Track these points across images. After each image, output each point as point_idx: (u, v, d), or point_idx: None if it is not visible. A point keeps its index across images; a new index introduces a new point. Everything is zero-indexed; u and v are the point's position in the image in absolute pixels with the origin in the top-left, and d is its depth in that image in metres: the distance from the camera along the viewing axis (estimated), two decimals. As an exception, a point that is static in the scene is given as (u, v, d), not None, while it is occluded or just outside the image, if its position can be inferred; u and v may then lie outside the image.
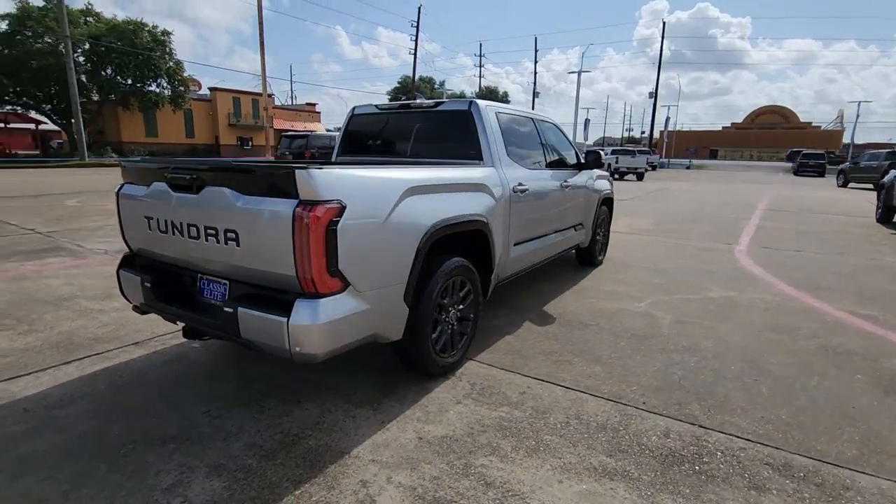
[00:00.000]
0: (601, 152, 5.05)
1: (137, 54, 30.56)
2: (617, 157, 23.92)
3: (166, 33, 32.01)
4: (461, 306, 3.00)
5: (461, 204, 2.85)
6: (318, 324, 2.04)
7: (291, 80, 61.06)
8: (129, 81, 31.42)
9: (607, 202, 5.82)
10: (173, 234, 2.46)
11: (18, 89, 30.74)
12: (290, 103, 57.67)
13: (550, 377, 2.93)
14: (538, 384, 2.84)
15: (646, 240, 7.56)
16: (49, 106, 31.18)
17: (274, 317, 2.05)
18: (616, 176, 24.52)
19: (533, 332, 3.65)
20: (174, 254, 2.55)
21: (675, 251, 6.69)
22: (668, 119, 43.32)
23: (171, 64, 32.12)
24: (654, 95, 40.53)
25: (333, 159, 4.24)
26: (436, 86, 48.41)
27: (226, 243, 2.23)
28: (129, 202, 2.71)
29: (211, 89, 39.62)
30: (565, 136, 4.93)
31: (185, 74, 33.89)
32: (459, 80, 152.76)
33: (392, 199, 2.32)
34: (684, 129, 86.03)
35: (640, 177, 24.23)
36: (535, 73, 49.86)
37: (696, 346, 3.41)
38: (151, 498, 1.87)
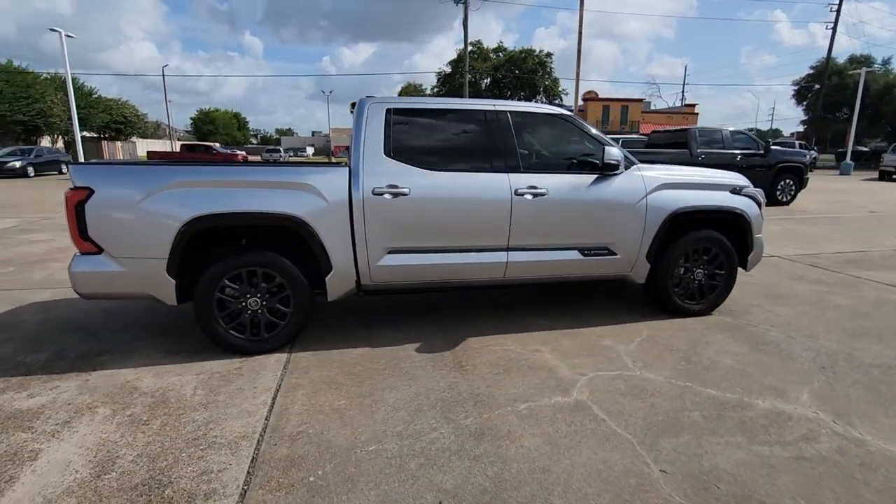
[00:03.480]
0: (609, 148, 3.38)
1: (523, 76, 36.41)
2: None
3: (549, 55, 36.71)
4: (269, 297, 3.17)
5: (254, 200, 3.02)
6: (73, 271, 2.95)
7: (684, 82, 57.16)
8: (515, 99, 37.97)
9: (729, 226, 3.82)
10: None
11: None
12: (678, 105, 54.82)
13: (285, 387, 2.75)
14: (265, 391, 2.75)
15: (923, 305, 4.19)
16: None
17: (72, 262, 3.08)
18: None
19: (389, 353, 3.23)
20: None
21: (931, 332, 3.54)
22: None
23: (547, 82, 36.64)
24: None
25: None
26: (874, 65, 35.35)
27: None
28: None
29: (584, 99, 42.60)
30: (582, 132, 3.64)
31: (561, 89, 37.86)
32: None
33: (146, 189, 2.91)
34: None
35: None
36: None
37: (493, 431, 2.26)
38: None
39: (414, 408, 2.55)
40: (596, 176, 3.53)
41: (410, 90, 42.43)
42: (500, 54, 39.87)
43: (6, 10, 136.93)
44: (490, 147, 3.44)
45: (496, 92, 39.44)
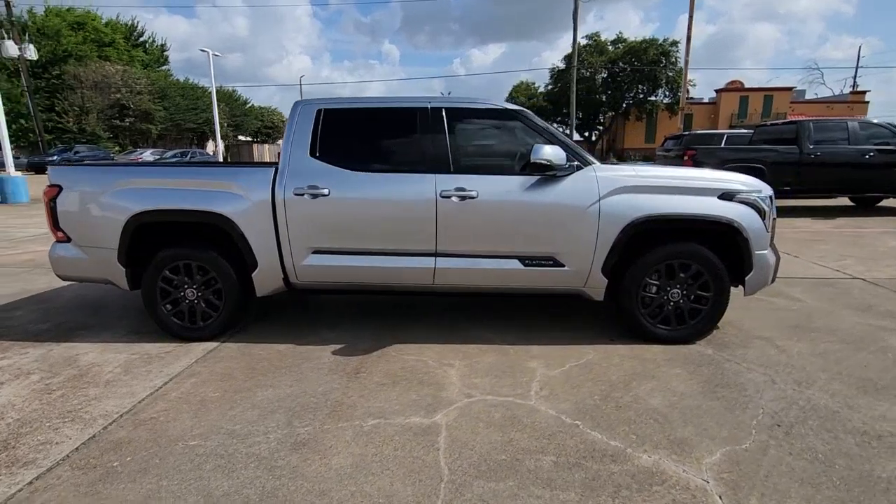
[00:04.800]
0: (540, 146, 2.93)
1: (643, 69, 33.72)
2: None
3: (674, 44, 33.41)
4: (204, 288, 3.40)
5: (187, 199, 3.25)
6: (50, 256, 3.47)
7: (857, 66, 47.50)
8: (632, 94, 35.21)
9: (720, 239, 3.18)
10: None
11: (564, 111, 40.80)
12: (845, 92, 46.33)
13: (184, 374, 2.92)
14: (166, 376, 2.96)
15: None
16: (577, 122, 39.68)
17: (53, 248, 3.61)
18: None
19: (304, 353, 3.25)
20: None
21: None
22: None
23: (670, 73, 33.41)
24: None
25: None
26: None
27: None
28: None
29: (717, 91, 37.99)
30: (532, 130, 3.25)
31: (688, 80, 34.25)
32: None
33: (98, 188, 3.30)
34: None
35: None
36: None
37: (317, 443, 2.16)
38: None
39: (270, 409, 2.54)
40: (538, 177, 3.16)
41: (522, 88, 41.83)
42: (619, 46, 37.31)
43: (200, 37, 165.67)
44: (420, 146, 3.27)
45: (618, 88, 37.01)
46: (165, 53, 48.36)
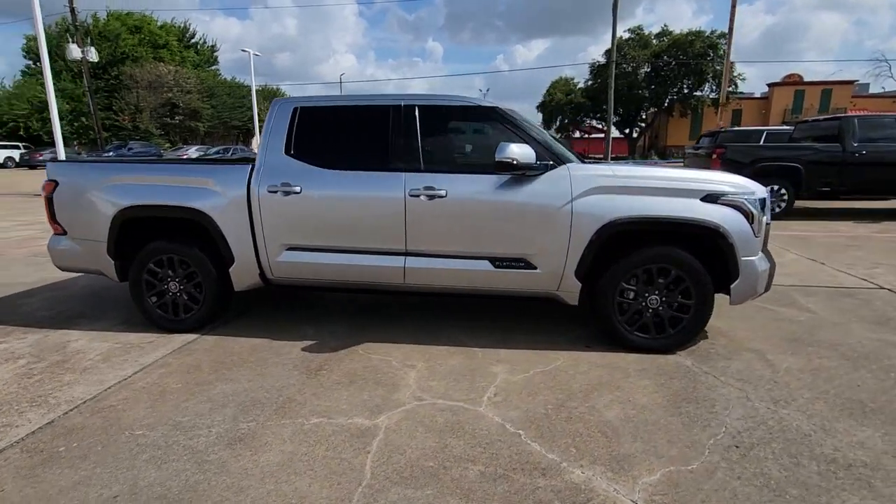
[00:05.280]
0: (506, 144, 2.80)
1: (689, 62, 32.33)
2: None
3: (722, 35, 31.79)
4: (186, 282, 3.50)
5: (168, 194, 3.36)
6: (49, 247, 3.67)
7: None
8: (676, 89, 33.81)
9: (703, 243, 2.99)
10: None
11: (603, 108, 39.74)
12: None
13: (156, 365, 3.02)
14: (139, 365, 3.06)
15: None
16: (616, 119, 38.52)
17: (53, 240, 3.81)
18: None
19: (277, 348, 3.30)
20: None
21: None
22: None
23: (718, 67, 31.83)
24: None
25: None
26: None
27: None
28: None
29: (770, 85, 35.91)
30: (507, 128, 3.13)
31: (737, 74, 32.61)
32: None
33: (89, 183, 3.46)
34: None
35: None
36: None
37: (254, 439, 2.17)
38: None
39: (222, 403, 2.58)
40: (509, 176, 3.06)
41: (560, 84, 40.98)
42: (664, 39, 35.89)
43: (252, 37, 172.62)
44: (391, 144, 3.23)
45: (660, 83, 35.66)
46: (215, 54, 50.43)
